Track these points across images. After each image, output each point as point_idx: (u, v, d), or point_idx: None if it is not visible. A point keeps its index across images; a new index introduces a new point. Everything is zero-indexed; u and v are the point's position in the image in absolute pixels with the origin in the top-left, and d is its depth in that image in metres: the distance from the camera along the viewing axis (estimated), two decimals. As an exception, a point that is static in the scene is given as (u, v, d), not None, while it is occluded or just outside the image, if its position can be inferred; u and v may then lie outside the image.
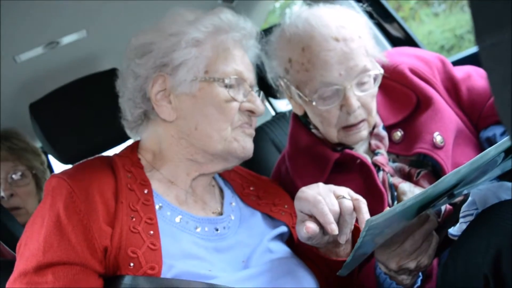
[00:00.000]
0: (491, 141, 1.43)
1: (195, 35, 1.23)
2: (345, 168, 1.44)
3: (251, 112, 1.27)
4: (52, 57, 1.99)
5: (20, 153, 2.02)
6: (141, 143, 1.31)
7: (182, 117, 1.23)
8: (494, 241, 0.97)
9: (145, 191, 1.18)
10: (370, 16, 2.18)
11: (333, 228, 1.07)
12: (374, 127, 1.45)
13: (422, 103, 1.44)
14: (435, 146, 1.38)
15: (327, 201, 1.10)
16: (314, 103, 1.36)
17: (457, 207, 1.26)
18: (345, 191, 1.13)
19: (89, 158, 1.27)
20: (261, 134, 1.99)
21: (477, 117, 1.48)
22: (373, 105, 1.40)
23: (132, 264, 1.06)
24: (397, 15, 2.24)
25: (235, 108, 1.23)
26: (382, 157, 1.42)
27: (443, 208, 1.34)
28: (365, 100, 1.36)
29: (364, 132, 1.40)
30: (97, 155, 1.30)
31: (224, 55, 1.24)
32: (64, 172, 1.16)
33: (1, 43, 1.81)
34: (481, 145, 1.46)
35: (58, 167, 2.47)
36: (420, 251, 1.11)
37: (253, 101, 1.26)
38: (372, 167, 1.39)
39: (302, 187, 1.38)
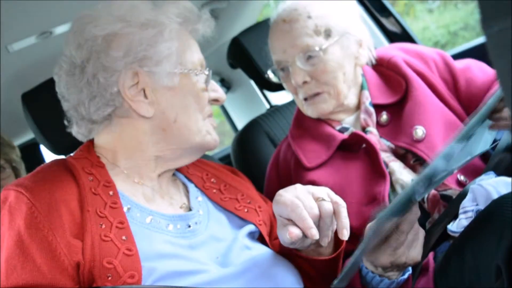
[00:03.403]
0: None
1: (173, 26, 1.20)
2: (350, 148, 1.48)
3: (215, 101, 1.27)
4: (45, 47, 1.96)
5: None
6: (96, 143, 1.25)
7: (161, 111, 1.19)
8: (506, 233, 0.94)
9: (111, 193, 1.12)
10: (368, 11, 2.18)
11: (313, 233, 1.02)
12: (361, 103, 1.52)
13: (409, 92, 1.48)
14: (415, 140, 1.41)
15: (306, 204, 1.05)
16: (274, 79, 1.57)
17: (453, 203, 1.26)
18: (324, 193, 1.08)
19: (43, 164, 1.19)
20: (255, 127, 1.98)
21: (474, 109, 1.48)
22: (330, 77, 1.46)
23: (109, 275, 1.00)
24: (394, 10, 2.23)
25: (206, 98, 1.23)
26: (372, 135, 1.47)
27: (425, 196, 1.36)
28: (316, 74, 1.46)
29: (323, 105, 1.50)
30: (51, 160, 1.22)
31: (188, 45, 1.24)
32: (21, 184, 1.07)
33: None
34: None
35: (51, 157, 2.46)
36: (407, 245, 1.09)
37: (216, 90, 1.28)
38: (378, 150, 1.42)
39: (304, 161, 1.49)
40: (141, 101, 1.18)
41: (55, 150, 1.57)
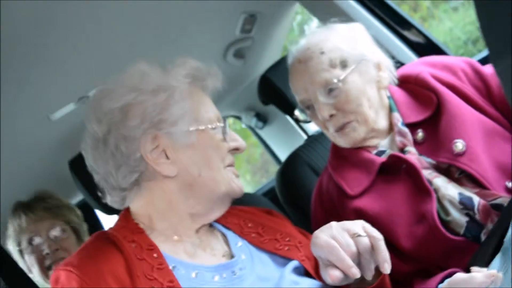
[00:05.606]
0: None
1: (183, 87, 1.25)
2: (391, 171, 1.47)
3: (236, 150, 1.30)
4: (84, 111, 2.04)
5: (55, 211, 2.15)
6: (132, 210, 1.29)
7: (184, 168, 1.23)
8: None
9: (155, 255, 1.15)
10: (389, 27, 2.17)
11: (354, 272, 1.02)
12: (393, 125, 1.52)
13: (442, 105, 1.47)
14: (456, 154, 1.40)
15: (342, 243, 1.05)
16: (302, 117, 1.61)
17: (505, 211, 1.23)
18: (359, 227, 1.08)
19: (86, 241, 1.23)
20: (296, 159, 2.00)
21: (511, 112, 1.47)
22: (354, 105, 1.47)
23: None
24: (414, 20, 2.21)
25: (226, 148, 1.27)
26: (411, 154, 1.45)
27: (476, 202, 1.33)
28: (340, 105, 1.47)
29: (354, 133, 1.50)
30: (93, 234, 1.26)
31: (202, 102, 1.29)
32: (69, 263, 1.11)
33: (36, 104, 1.88)
34: None
35: (104, 218, 2.54)
36: None
37: (236, 139, 1.31)
38: (419, 168, 1.41)
39: (347, 189, 1.49)
40: (163, 162, 1.22)
41: (107, 211, 1.62)
